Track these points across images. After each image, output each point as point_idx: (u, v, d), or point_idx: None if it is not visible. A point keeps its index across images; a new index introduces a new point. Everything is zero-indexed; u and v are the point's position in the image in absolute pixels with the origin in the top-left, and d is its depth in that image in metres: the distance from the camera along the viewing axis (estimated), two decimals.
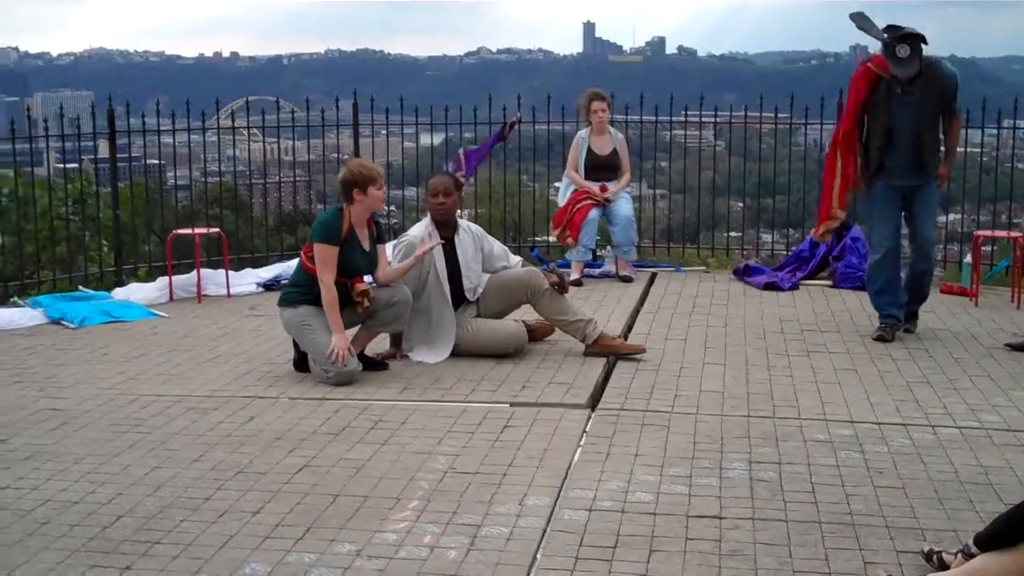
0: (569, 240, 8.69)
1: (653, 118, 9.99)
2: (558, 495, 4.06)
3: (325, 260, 5.68)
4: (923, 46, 6.32)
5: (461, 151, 8.86)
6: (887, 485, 4.17)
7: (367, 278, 5.95)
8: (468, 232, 6.34)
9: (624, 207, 8.73)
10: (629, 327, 7.04)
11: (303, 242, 6.44)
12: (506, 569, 3.46)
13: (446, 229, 6.24)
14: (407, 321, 6.05)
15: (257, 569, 3.47)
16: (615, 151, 8.84)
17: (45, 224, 9.99)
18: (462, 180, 8.92)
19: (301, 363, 5.90)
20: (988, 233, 8.58)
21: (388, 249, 6.14)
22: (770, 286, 8.30)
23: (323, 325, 5.71)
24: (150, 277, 8.65)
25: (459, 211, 6.49)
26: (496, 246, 6.54)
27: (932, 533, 3.70)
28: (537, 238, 10.30)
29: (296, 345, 5.91)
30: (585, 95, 8.94)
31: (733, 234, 10.45)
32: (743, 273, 8.70)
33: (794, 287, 8.34)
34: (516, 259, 6.67)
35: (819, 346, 6.47)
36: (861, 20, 6.53)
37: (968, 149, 9.40)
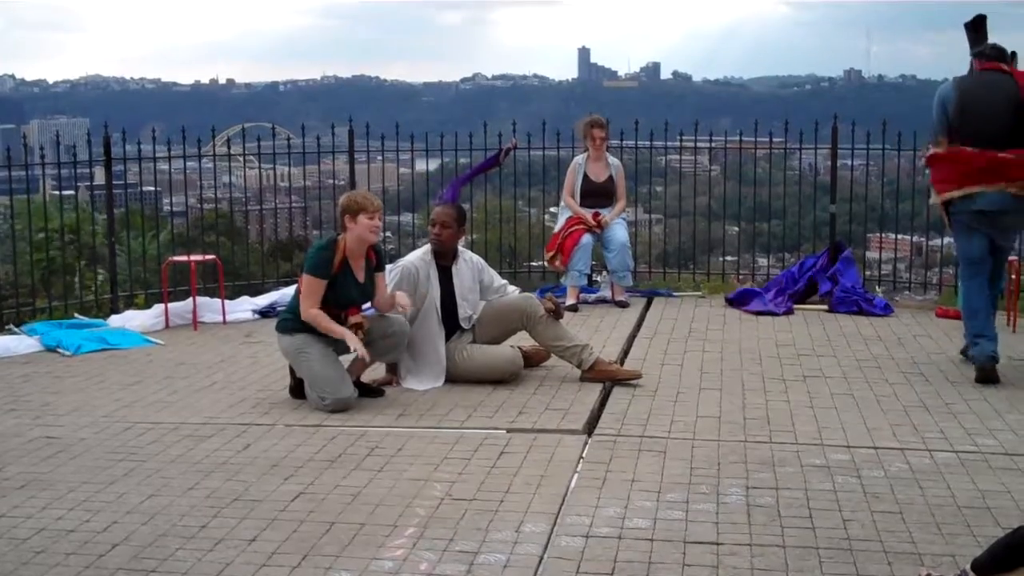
0: (559, 264, 8.71)
1: (648, 143, 10.01)
2: (555, 521, 4.05)
3: (309, 291, 5.65)
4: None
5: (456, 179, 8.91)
6: (884, 510, 4.16)
7: (366, 306, 5.94)
8: (468, 263, 6.35)
9: (619, 233, 8.74)
10: (625, 352, 7.04)
11: (299, 268, 6.43)
12: None
13: (443, 258, 6.25)
14: (404, 350, 6.05)
15: None
16: (611, 178, 8.86)
17: (41, 252, 9.98)
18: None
19: (297, 390, 5.89)
20: None
21: (387, 274, 6.13)
22: (764, 314, 8.27)
23: (319, 352, 5.69)
24: (146, 304, 8.65)
25: (461, 241, 6.47)
26: (496, 279, 6.55)
27: (930, 558, 3.69)
28: (532, 263, 10.30)
29: (292, 372, 5.91)
30: (584, 122, 8.95)
31: (728, 258, 10.46)
32: (734, 302, 8.66)
33: (789, 311, 8.34)
34: (513, 288, 6.69)
35: (815, 371, 6.46)
36: None
37: None
